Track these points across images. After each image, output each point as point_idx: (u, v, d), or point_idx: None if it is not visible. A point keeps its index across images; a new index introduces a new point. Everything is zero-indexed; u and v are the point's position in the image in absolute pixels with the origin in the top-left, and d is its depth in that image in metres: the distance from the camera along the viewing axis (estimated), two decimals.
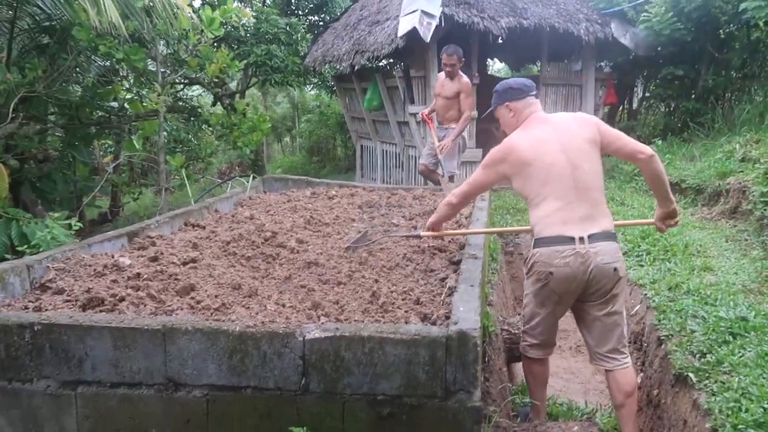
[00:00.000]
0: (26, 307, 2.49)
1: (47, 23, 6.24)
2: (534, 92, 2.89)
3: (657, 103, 10.78)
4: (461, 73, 5.74)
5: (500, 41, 9.58)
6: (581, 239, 2.60)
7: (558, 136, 2.73)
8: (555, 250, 2.62)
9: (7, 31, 5.86)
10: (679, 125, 9.19)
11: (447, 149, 5.72)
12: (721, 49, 8.83)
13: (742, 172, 5.94)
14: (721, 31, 8.20)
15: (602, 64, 10.34)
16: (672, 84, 9.45)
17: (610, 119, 10.34)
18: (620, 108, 11.41)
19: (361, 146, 11.60)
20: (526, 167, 2.70)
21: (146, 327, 2.11)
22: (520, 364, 3.90)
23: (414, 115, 8.35)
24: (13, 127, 5.61)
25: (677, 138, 8.61)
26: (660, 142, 8.35)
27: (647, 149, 2.74)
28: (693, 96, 9.20)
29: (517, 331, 3.63)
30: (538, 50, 9.29)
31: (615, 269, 2.63)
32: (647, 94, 11.23)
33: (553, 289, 2.68)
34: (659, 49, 8.94)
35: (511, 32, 7.98)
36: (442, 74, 5.87)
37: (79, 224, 5.13)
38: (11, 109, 5.39)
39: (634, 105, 11.79)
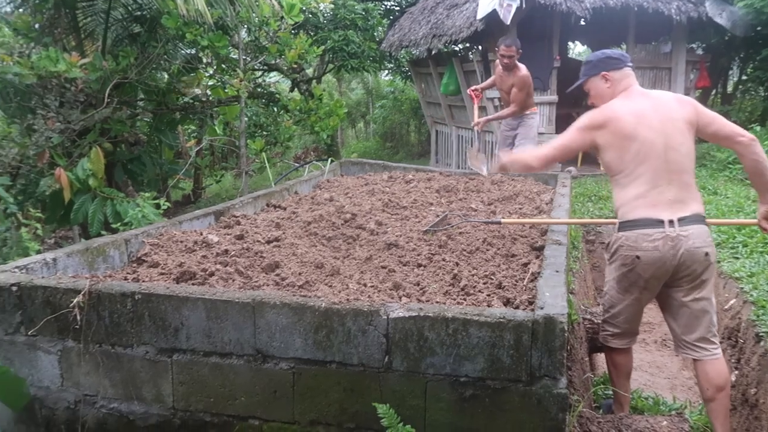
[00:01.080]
0: (126, 278, 2.64)
1: (138, 13, 6.53)
2: (631, 64, 2.75)
3: (755, 86, 10.08)
4: (519, 65, 5.55)
5: (583, 23, 9.24)
6: (671, 222, 2.50)
7: (658, 113, 2.60)
8: (643, 233, 2.53)
9: (103, 21, 6.19)
10: None
11: (482, 126, 5.79)
12: None
13: None
14: None
15: (694, 45, 9.74)
16: None
17: (701, 103, 9.74)
18: (713, 92, 10.74)
19: (436, 131, 11.51)
20: (625, 140, 2.57)
21: (237, 300, 2.18)
22: (602, 355, 3.78)
23: (491, 99, 8.20)
24: (108, 112, 5.93)
25: None
26: (758, 128, 7.80)
27: (748, 133, 2.60)
28: None
29: (599, 321, 3.51)
30: (623, 32, 8.88)
31: (706, 254, 2.53)
32: (744, 77, 10.50)
33: (640, 273, 2.58)
34: (759, 28, 8.32)
35: (596, 13, 7.66)
36: (500, 66, 5.69)
37: (168, 204, 5.39)
38: (106, 95, 5.71)
39: (729, 89, 11.06)
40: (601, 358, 3.97)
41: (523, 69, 5.55)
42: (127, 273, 2.76)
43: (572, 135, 2.72)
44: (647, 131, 2.56)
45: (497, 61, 5.78)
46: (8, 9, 6.42)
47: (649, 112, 2.60)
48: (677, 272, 2.55)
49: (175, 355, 2.27)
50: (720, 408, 2.59)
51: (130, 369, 2.31)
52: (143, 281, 2.56)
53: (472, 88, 6.04)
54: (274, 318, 2.15)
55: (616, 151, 2.61)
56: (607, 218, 5.53)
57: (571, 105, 10.24)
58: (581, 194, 6.91)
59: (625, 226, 2.60)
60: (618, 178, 2.64)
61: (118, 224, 4.83)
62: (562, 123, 8.53)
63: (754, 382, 3.06)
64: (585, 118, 2.70)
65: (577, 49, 16.06)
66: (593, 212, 5.95)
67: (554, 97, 8.15)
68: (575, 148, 2.78)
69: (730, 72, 11.14)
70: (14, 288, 2.33)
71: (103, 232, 4.75)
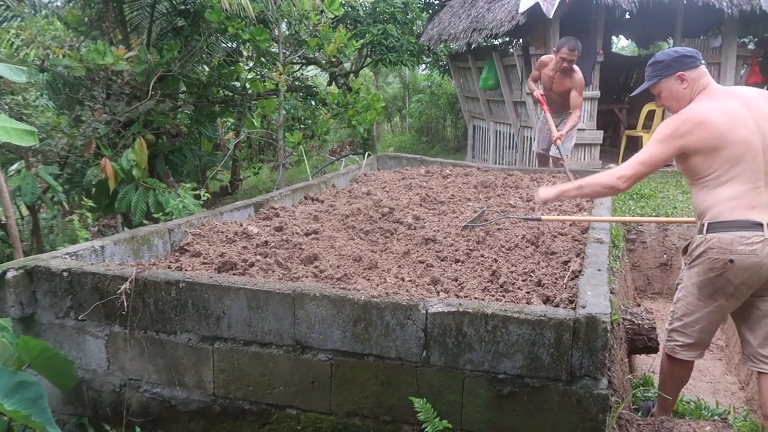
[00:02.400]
0: (169, 267, 2.71)
1: (182, 7, 6.66)
2: (704, 61, 2.58)
3: None
4: (575, 67, 5.39)
5: (628, 16, 9.02)
6: None
7: (751, 111, 2.43)
8: (739, 236, 2.35)
9: (148, 14, 6.34)
10: None
11: (563, 139, 5.43)
12: None
13: None
14: None
15: (746, 39, 9.39)
16: None
17: None
18: (765, 88, 10.35)
19: (474, 126, 11.42)
20: (717, 142, 2.39)
21: (278, 291, 2.21)
22: (642, 356, 3.71)
23: (530, 93, 8.06)
24: (152, 104, 6.08)
25: None
26: None
27: None
28: None
29: (640, 322, 3.44)
30: (670, 25, 8.62)
31: None
32: None
33: (730, 279, 2.41)
34: None
35: (642, 6, 7.43)
36: (550, 63, 5.50)
37: (207, 195, 5.50)
38: (150, 87, 5.85)
39: None
40: (639, 360, 3.90)
41: (579, 71, 5.40)
42: (171, 262, 2.83)
43: (658, 147, 2.51)
44: (742, 131, 2.39)
45: (545, 60, 5.61)
46: (59, 3, 6.62)
47: (741, 111, 2.43)
48: None
49: (216, 343, 2.32)
50: None
51: (173, 355, 2.37)
52: (186, 270, 2.61)
53: (540, 93, 5.68)
54: (314, 310, 2.18)
55: (706, 154, 2.43)
56: (648, 217, 5.40)
57: (613, 101, 10.02)
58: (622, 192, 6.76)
59: (718, 227, 2.41)
60: (706, 180, 2.46)
61: (160, 214, 4.94)
62: (603, 119, 8.35)
63: None
64: (667, 128, 2.50)
65: (621, 44, 15.68)
66: (635, 210, 5.82)
67: (596, 93, 7.97)
68: (663, 160, 2.53)
69: None
70: (65, 274, 2.42)
71: (144, 222, 4.88)
